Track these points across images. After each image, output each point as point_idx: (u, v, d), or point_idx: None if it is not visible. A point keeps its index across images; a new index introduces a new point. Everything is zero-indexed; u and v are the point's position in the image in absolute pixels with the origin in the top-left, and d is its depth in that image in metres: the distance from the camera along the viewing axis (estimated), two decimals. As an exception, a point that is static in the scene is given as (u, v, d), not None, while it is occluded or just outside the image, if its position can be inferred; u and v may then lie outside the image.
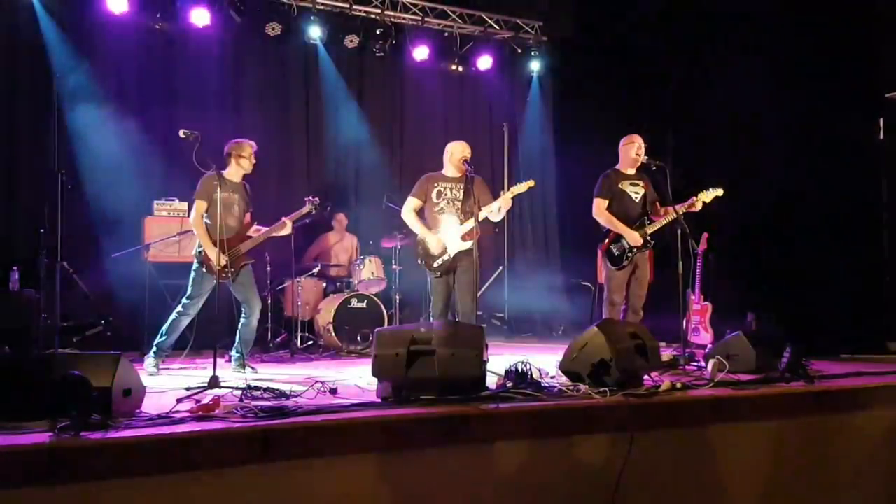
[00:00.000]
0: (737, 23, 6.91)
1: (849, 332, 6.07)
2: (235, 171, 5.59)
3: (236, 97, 8.43)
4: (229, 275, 5.44)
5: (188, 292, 5.52)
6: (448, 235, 5.53)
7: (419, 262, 5.66)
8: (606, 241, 5.82)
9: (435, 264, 5.53)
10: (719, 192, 5.65)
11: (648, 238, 5.76)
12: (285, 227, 5.72)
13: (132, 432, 2.92)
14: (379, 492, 3.19)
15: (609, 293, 5.81)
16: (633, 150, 5.80)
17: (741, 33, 6.89)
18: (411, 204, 5.69)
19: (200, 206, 5.46)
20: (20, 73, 7.36)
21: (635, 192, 5.85)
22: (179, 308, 5.54)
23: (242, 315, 5.62)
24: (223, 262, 5.26)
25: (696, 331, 6.46)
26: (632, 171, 5.89)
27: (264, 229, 5.73)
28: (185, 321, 5.54)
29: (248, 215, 5.74)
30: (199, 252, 5.48)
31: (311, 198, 5.95)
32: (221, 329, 5.78)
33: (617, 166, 5.94)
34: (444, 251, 5.52)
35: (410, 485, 3.26)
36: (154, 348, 5.50)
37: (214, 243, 5.28)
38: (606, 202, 5.81)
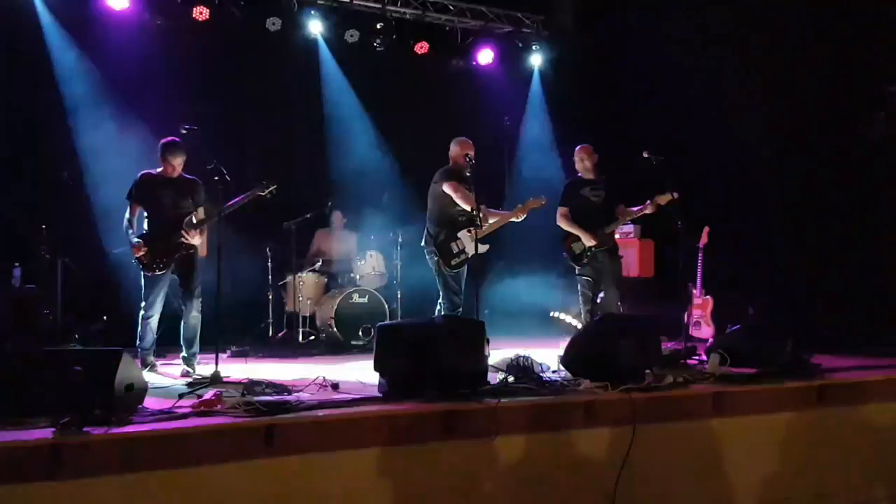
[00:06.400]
0: (735, 14, 6.91)
1: (851, 325, 6.06)
2: (164, 169, 5.49)
3: (237, 93, 8.41)
4: (160, 267, 5.37)
5: (143, 295, 5.46)
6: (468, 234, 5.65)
7: (457, 258, 5.65)
8: (567, 241, 6.02)
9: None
10: (674, 196, 5.54)
11: (606, 237, 5.91)
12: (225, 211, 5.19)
13: (134, 427, 2.94)
14: (381, 486, 3.20)
15: (580, 289, 6.03)
16: (581, 164, 6.04)
17: (740, 23, 6.88)
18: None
19: (133, 208, 5.43)
20: (20, 69, 7.34)
21: (595, 195, 5.99)
22: (142, 312, 5.46)
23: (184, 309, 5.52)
24: (143, 251, 5.30)
25: (698, 325, 6.46)
26: (591, 177, 6.04)
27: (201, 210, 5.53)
28: (154, 321, 5.47)
29: (195, 207, 5.54)
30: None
31: (263, 182, 5.52)
32: (222, 325, 5.76)
33: (578, 174, 6.10)
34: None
35: (412, 479, 3.27)
36: (139, 361, 5.31)
37: (142, 237, 5.35)
38: (567, 209, 6.02)
